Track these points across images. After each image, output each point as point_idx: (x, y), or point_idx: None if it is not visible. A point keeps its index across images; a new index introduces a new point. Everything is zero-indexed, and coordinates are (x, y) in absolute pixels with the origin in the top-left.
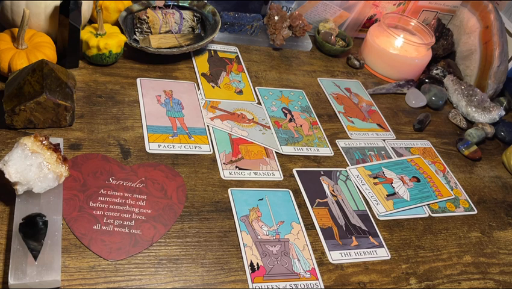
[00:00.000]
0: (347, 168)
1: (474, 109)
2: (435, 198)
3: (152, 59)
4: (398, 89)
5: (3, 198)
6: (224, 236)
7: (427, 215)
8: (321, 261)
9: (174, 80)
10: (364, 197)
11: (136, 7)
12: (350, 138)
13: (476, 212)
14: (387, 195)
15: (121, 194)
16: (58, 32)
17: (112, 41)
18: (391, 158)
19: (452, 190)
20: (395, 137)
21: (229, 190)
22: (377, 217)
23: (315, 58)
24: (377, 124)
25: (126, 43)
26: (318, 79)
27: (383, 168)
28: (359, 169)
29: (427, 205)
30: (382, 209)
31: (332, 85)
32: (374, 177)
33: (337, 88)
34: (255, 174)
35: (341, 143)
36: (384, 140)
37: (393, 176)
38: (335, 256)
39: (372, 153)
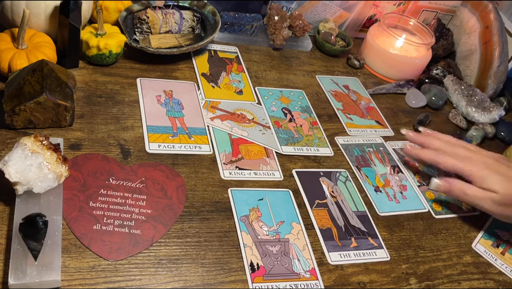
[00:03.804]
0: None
1: (474, 109)
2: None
3: (152, 59)
4: (398, 89)
5: (3, 198)
6: (224, 236)
7: (428, 213)
8: (321, 261)
9: (174, 80)
10: (365, 196)
11: (136, 7)
12: (349, 135)
13: (478, 212)
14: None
15: (121, 194)
16: (58, 32)
17: (112, 41)
18: (390, 155)
19: None
20: (393, 134)
21: (229, 190)
22: (378, 212)
23: (315, 58)
24: (376, 120)
25: (126, 43)
26: (316, 76)
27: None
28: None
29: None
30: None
31: (330, 83)
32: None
33: (335, 85)
34: (255, 174)
35: (340, 140)
36: (381, 136)
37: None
38: (334, 258)
39: (371, 149)
